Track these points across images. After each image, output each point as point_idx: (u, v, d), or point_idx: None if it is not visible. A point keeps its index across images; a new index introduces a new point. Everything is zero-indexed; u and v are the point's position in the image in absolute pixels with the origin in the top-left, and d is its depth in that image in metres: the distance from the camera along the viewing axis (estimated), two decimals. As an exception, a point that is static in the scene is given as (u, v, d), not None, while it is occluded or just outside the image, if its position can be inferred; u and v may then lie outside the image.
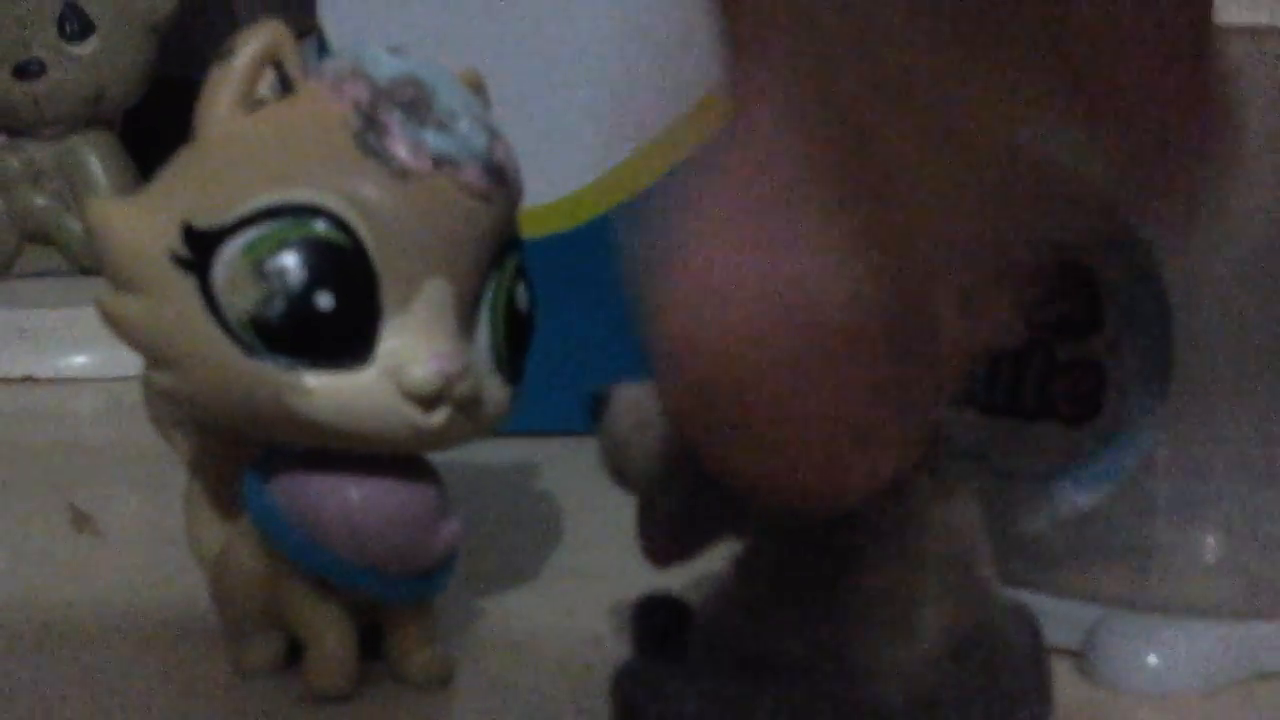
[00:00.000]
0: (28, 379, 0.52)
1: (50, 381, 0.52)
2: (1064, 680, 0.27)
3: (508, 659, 0.30)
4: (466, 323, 0.27)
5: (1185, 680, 0.28)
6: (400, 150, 0.26)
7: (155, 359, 0.26)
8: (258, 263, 0.25)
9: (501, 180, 0.27)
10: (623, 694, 0.24)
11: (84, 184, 0.59)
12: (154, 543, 0.36)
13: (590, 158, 0.42)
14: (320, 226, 0.25)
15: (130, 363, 0.27)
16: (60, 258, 0.60)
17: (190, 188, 0.26)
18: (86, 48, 0.59)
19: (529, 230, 0.44)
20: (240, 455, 0.28)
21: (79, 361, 0.52)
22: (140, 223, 0.26)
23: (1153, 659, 0.28)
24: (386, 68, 0.26)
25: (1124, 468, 0.29)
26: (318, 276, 0.25)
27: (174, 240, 0.25)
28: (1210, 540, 0.29)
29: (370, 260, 0.25)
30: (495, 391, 0.27)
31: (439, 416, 0.26)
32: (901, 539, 0.23)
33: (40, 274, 0.60)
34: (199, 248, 0.25)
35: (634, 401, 0.24)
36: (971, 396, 0.30)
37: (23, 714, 0.28)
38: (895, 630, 0.23)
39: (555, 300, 0.43)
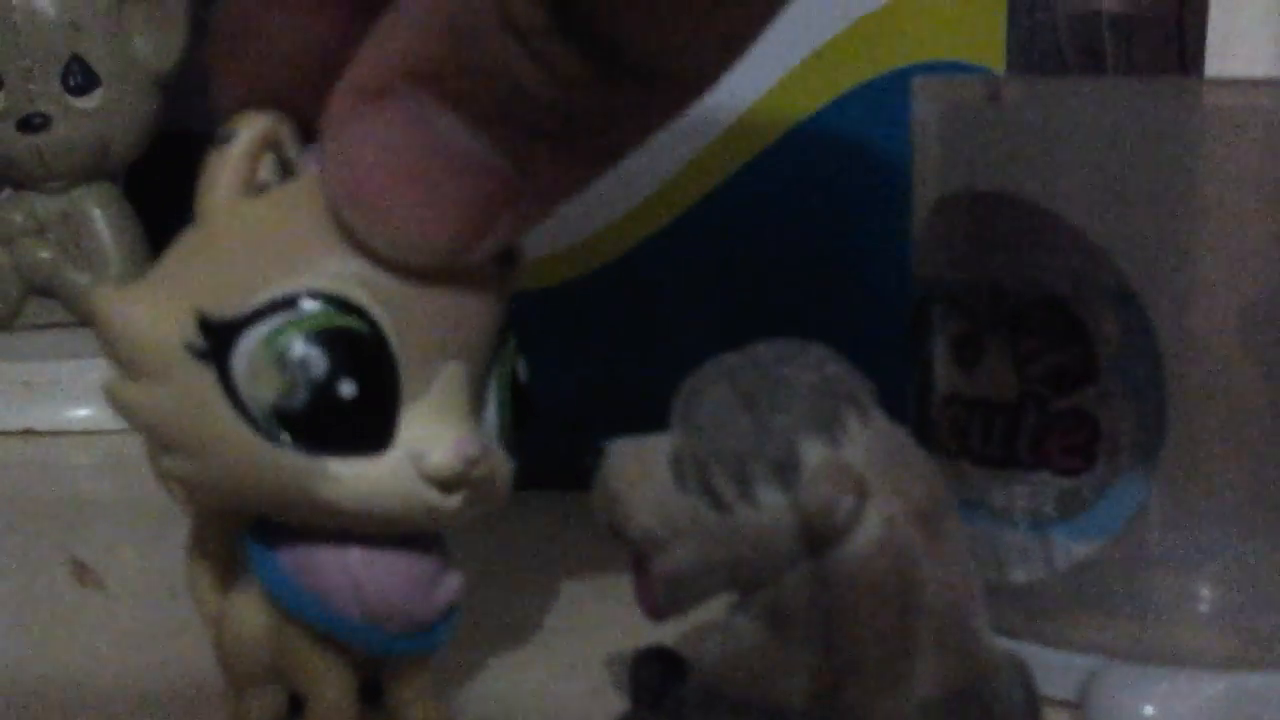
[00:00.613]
0: (29, 432, 0.53)
1: (52, 434, 0.52)
2: (1060, 732, 0.27)
3: (506, 713, 0.30)
4: (477, 401, 0.27)
5: (1181, 731, 0.28)
6: None
7: (170, 446, 0.26)
8: (279, 353, 0.25)
9: (509, 256, 0.27)
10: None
11: (88, 237, 0.59)
12: (156, 596, 0.36)
13: (583, 214, 0.42)
14: (339, 314, 0.25)
15: (132, 417, 0.27)
16: (63, 310, 0.60)
17: (201, 275, 0.26)
18: (91, 101, 0.59)
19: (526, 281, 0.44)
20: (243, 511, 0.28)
21: (81, 414, 0.53)
22: (152, 312, 0.26)
23: (1149, 710, 0.28)
24: None
25: (1119, 519, 0.29)
26: (340, 365, 0.25)
27: (189, 331, 0.25)
28: (1206, 591, 0.29)
29: (390, 346, 0.25)
30: (502, 466, 0.27)
31: (456, 499, 0.26)
32: (897, 591, 0.23)
33: (43, 326, 0.60)
34: (216, 338, 0.25)
35: (631, 456, 0.24)
36: (965, 448, 0.30)
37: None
38: (890, 681, 0.23)
39: (549, 353, 0.43)
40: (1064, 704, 0.29)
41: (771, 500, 0.23)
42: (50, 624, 0.35)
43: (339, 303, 0.25)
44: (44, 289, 0.60)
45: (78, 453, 0.51)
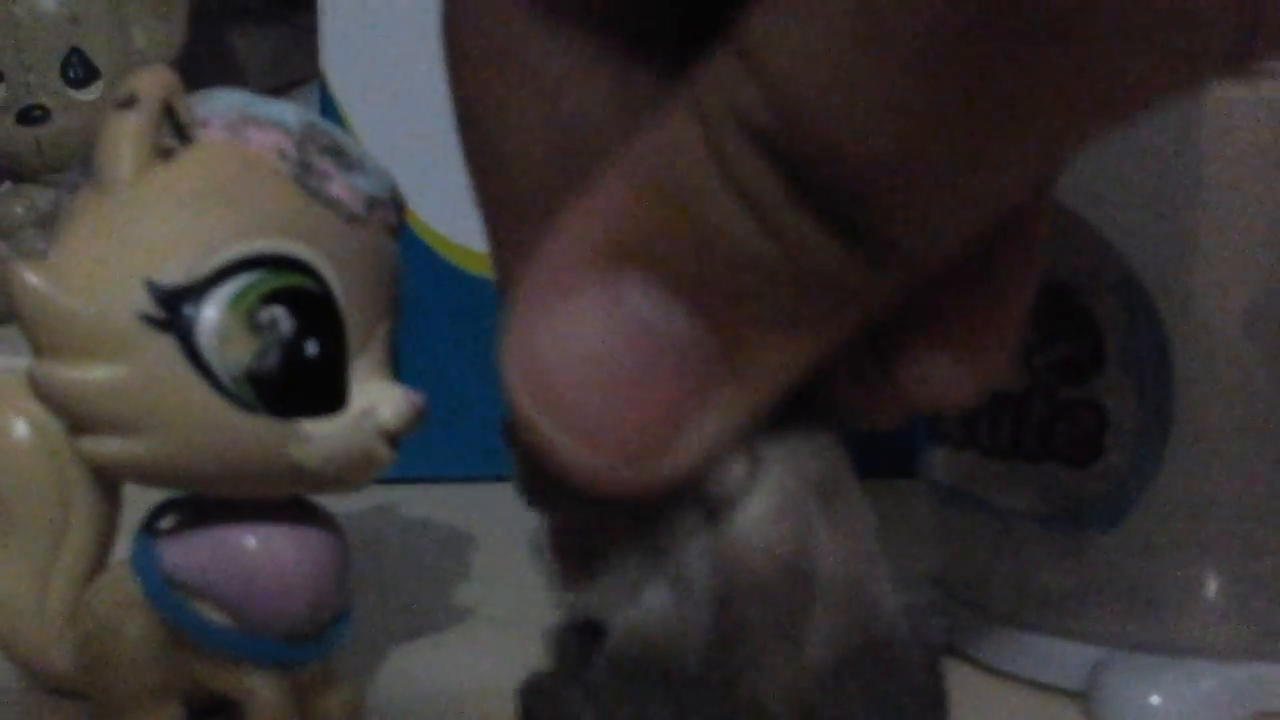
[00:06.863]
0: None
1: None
2: (1067, 722, 0.27)
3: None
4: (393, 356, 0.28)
5: (1188, 721, 0.28)
6: (344, 195, 0.26)
7: (123, 427, 0.25)
8: (249, 314, 0.25)
9: (403, 218, 0.28)
10: (525, 707, 0.25)
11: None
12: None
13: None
14: (293, 273, 0.25)
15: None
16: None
17: (139, 244, 0.25)
18: (90, 94, 0.59)
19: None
20: (111, 508, 0.28)
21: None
22: (92, 286, 0.25)
23: (1155, 699, 0.28)
24: (286, 114, 0.27)
25: (1126, 509, 0.29)
26: (304, 323, 0.25)
27: (140, 300, 0.25)
28: (1212, 581, 0.29)
29: (337, 304, 0.26)
30: None
31: (395, 451, 0.26)
32: (788, 557, 0.23)
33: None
34: (173, 305, 0.25)
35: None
36: (973, 438, 0.30)
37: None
38: (782, 649, 0.23)
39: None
40: (1072, 693, 0.29)
41: None
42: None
43: (291, 262, 0.25)
44: (44, 281, 0.60)
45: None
